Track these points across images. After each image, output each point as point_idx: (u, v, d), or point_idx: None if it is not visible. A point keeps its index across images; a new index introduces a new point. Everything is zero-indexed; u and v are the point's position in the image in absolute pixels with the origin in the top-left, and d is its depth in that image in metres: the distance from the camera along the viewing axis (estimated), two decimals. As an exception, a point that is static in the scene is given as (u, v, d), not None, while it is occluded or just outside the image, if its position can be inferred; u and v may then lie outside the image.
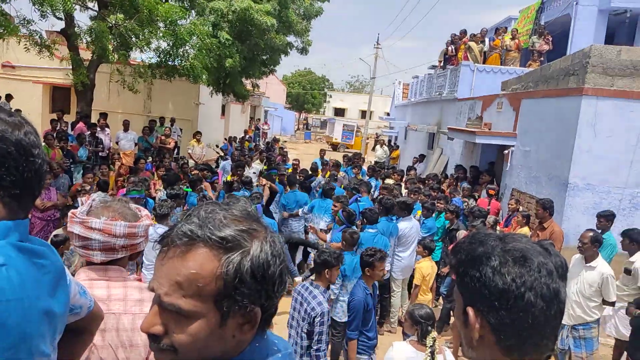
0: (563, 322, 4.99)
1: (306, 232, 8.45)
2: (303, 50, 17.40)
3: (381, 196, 7.91)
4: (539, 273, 0.98)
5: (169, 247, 0.92)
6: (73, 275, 1.47)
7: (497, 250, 1.02)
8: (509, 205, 8.36)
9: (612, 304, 5.19)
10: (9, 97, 13.26)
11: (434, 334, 3.27)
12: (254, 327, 0.95)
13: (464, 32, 16.01)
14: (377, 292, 4.78)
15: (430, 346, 3.20)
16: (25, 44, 10.79)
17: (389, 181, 10.91)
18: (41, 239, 1.21)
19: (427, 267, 6.10)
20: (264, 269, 0.92)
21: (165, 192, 7.47)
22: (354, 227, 6.31)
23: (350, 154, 15.88)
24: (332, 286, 5.22)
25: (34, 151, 1.08)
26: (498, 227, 7.83)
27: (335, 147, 35.09)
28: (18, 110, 12.49)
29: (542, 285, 0.98)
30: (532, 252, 1.01)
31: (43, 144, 9.22)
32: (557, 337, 1.05)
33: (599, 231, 6.10)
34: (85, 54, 12.02)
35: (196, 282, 0.89)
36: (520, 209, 8.34)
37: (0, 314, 0.94)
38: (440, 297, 7.23)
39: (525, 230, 7.22)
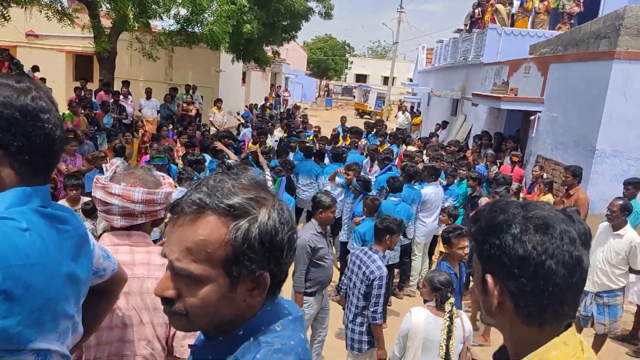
0: (587, 289, 4.97)
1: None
2: (326, 15, 17.06)
3: (404, 163, 7.85)
4: (561, 241, 0.97)
5: (179, 215, 0.96)
6: (97, 239, 1.51)
7: (519, 218, 1.00)
8: (533, 172, 8.22)
9: (639, 272, 5.14)
10: (35, 68, 13.42)
11: (452, 299, 3.29)
12: (263, 291, 0.97)
13: (491, -6, 15.42)
14: (458, 271, 4.50)
15: (449, 311, 3.22)
16: (46, 13, 10.84)
17: (411, 148, 10.81)
18: (62, 205, 1.23)
19: None
20: (272, 236, 0.94)
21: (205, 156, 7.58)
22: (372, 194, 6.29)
23: (371, 121, 15.69)
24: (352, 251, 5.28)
25: (42, 116, 1.08)
26: (521, 194, 7.73)
27: (363, 114, 34.77)
28: (43, 80, 12.75)
29: (564, 253, 0.96)
30: (555, 220, 0.99)
31: (67, 111, 9.44)
32: (578, 305, 1.04)
33: (626, 198, 5.97)
34: (107, 22, 12.02)
35: (205, 248, 0.92)
36: (545, 175, 8.19)
37: (25, 278, 0.97)
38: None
39: (549, 197, 7.11)
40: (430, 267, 7.33)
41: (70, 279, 1.12)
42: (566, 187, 6.76)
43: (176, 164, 7.57)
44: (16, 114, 1.05)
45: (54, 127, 1.10)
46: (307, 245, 4.18)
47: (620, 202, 5.06)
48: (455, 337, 3.21)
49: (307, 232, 4.29)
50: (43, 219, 1.06)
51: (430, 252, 7.19)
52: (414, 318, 3.36)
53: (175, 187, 5.65)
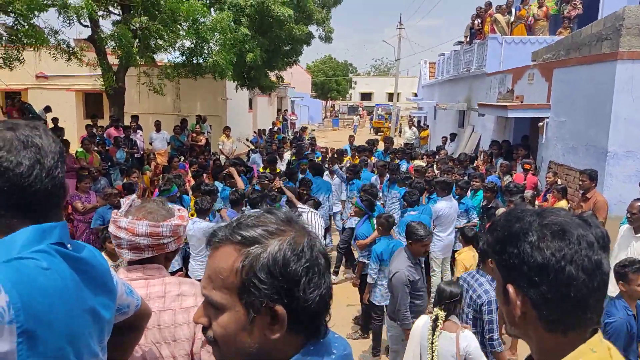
0: (609, 293, 4.88)
1: (330, 219, 8.56)
2: (326, 38, 17.30)
3: (412, 179, 7.82)
4: (579, 246, 0.96)
5: (209, 249, 1.03)
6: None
7: (535, 225, 1.00)
8: (547, 179, 8.16)
9: None
10: (47, 109, 13.79)
11: (439, 312, 3.30)
12: (282, 327, 0.96)
13: (489, 5, 15.55)
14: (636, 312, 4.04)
15: (433, 320, 3.31)
16: (54, 53, 11.14)
17: (419, 162, 10.81)
18: (84, 243, 1.25)
19: (468, 259, 5.77)
20: (281, 266, 0.94)
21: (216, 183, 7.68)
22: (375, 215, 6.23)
23: (374, 139, 15.75)
24: (370, 271, 5.24)
25: (52, 158, 1.10)
26: (537, 202, 7.66)
27: (377, 131, 34.93)
28: (55, 119, 13.03)
29: (583, 258, 0.96)
30: (571, 225, 0.99)
31: (80, 149, 9.60)
32: (602, 310, 1.02)
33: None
34: (114, 59, 12.31)
35: (219, 274, 0.97)
36: (559, 181, 8.12)
37: (47, 317, 0.98)
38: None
39: (563, 203, 7.03)
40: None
41: (93, 316, 1.13)
42: (583, 191, 6.68)
43: (187, 194, 7.64)
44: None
45: (27, 171, 1.07)
46: (407, 280, 4.07)
47: (639, 203, 4.99)
48: (441, 349, 3.22)
49: (403, 265, 4.17)
50: (62, 257, 1.07)
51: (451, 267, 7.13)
52: (416, 322, 3.48)
53: (192, 216, 5.73)
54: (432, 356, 3.23)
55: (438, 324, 3.27)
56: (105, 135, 11.83)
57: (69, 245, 1.12)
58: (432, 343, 3.23)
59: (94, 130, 11.97)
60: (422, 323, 3.46)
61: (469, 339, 3.25)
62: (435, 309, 3.34)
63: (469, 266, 5.78)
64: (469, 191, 7.51)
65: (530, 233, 1.00)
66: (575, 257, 0.96)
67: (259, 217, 1.02)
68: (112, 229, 1.82)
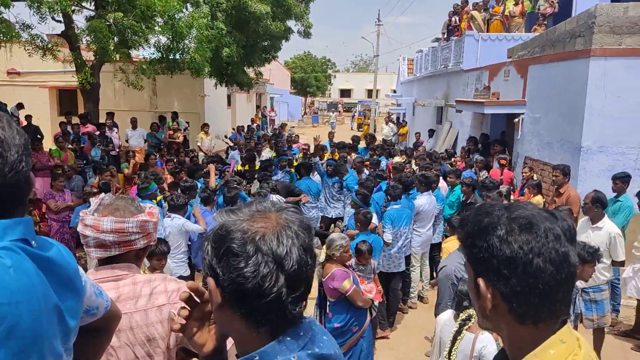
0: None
1: (321, 221, 8.50)
2: (305, 34, 17.24)
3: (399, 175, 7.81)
4: (546, 238, 0.98)
5: None
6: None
7: (503, 219, 1.02)
8: (523, 174, 8.29)
9: (621, 263, 5.18)
10: (19, 106, 13.43)
11: (472, 311, 3.17)
12: (215, 298, 0.99)
13: (465, 2, 15.74)
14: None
15: (463, 319, 3.22)
16: (28, 49, 10.84)
17: (398, 159, 10.87)
18: (52, 240, 1.19)
19: (454, 247, 5.93)
20: (220, 241, 0.98)
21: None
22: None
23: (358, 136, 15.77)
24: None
25: (14, 151, 1.03)
26: (512, 197, 7.78)
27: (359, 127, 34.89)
28: (28, 117, 12.70)
29: (551, 250, 0.98)
30: (538, 218, 1.01)
31: (54, 147, 9.38)
32: (570, 301, 1.05)
33: (615, 193, 6.04)
34: (88, 55, 12.05)
35: None
36: (535, 177, 8.27)
37: (11, 316, 0.94)
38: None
39: (538, 198, 7.17)
40: (432, 274, 7.30)
41: (58, 316, 1.09)
42: (556, 186, 6.82)
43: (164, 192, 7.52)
44: None
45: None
46: (454, 276, 3.96)
47: (592, 194, 5.18)
48: (459, 348, 3.18)
49: (453, 261, 4.07)
50: (27, 255, 1.02)
51: (432, 260, 7.20)
52: (443, 314, 3.48)
53: (169, 216, 5.65)
54: (452, 354, 3.17)
55: (468, 323, 3.18)
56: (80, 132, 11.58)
57: (33, 242, 1.07)
58: (456, 340, 3.17)
59: (68, 127, 11.71)
60: (443, 320, 3.45)
61: (486, 341, 3.18)
62: (469, 310, 3.23)
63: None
64: (438, 184, 7.54)
65: (499, 227, 1.01)
66: (542, 249, 0.98)
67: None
68: (79, 227, 1.79)
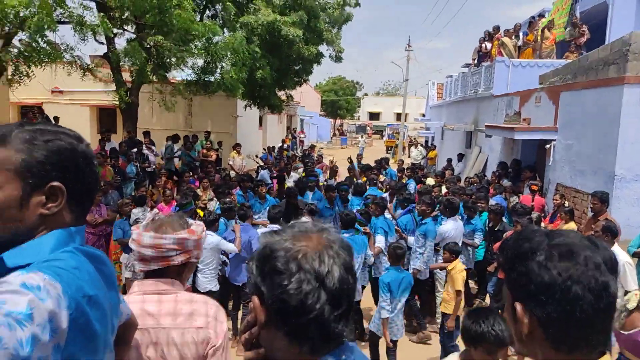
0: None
1: None
2: (336, 58, 17.56)
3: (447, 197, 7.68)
4: (586, 266, 0.98)
5: None
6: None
7: (543, 245, 1.03)
8: (554, 201, 8.18)
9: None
10: (56, 119, 14.19)
11: None
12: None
13: (497, 28, 15.77)
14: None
15: None
16: (68, 69, 11.41)
17: (430, 180, 10.84)
18: (94, 247, 1.33)
19: (461, 269, 5.65)
20: (264, 260, 1.01)
21: (217, 203, 7.76)
22: (355, 230, 6.16)
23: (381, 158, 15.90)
24: (382, 303, 5.07)
25: (94, 161, 1.22)
26: (543, 224, 7.68)
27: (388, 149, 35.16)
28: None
29: (590, 279, 0.97)
30: (579, 246, 1.01)
31: (94, 163, 9.77)
32: (609, 331, 1.03)
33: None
34: (128, 76, 12.58)
35: None
36: (567, 204, 8.15)
37: (83, 308, 1.04)
38: (487, 296, 7.14)
39: (572, 225, 7.06)
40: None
41: (113, 311, 1.20)
42: (594, 213, 6.67)
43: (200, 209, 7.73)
44: (79, 160, 1.17)
45: (98, 172, 1.24)
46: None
47: (603, 223, 5.14)
48: None
49: None
50: (86, 257, 1.14)
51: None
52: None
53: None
54: None
55: None
56: (119, 150, 12.02)
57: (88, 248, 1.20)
58: None
59: (106, 144, 12.17)
60: None
61: None
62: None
63: (464, 277, 5.69)
64: (476, 212, 7.46)
65: (539, 252, 1.02)
66: (581, 277, 0.98)
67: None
68: (130, 242, 1.92)
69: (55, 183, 1.13)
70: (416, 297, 6.55)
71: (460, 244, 6.70)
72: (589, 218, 6.85)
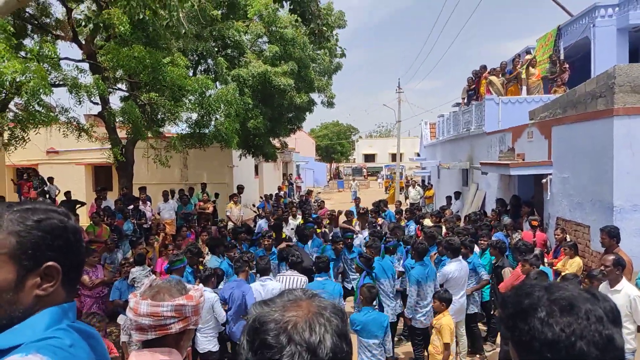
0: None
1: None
2: (328, 104, 17.85)
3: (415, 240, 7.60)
4: (588, 320, 0.97)
5: None
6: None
7: (543, 301, 1.01)
8: (556, 236, 8.10)
9: None
10: (50, 179, 14.37)
11: None
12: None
13: (483, 67, 16.14)
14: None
15: None
16: (64, 131, 11.53)
17: (428, 222, 10.77)
18: (85, 323, 1.29)
19: (450, 321, 5.54)
20: (254, 334, 0.98)
21: (212, 257, 7.62)
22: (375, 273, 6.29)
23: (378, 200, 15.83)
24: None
25: (82, 236, 1.21)
26: (546, 259, 7.57)
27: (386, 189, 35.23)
28: (67, 193, 13.26)
29: (594, 333, 0.96)
30: (579, 300, 1.00)
31: (90, 223, 9.69)
32: None
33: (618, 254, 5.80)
34: (122, 132, 12.69)
35: None
36: (568, 238, 8.06)
37: None
38: (498, 337, 6.93)
39: (577, 260, 6.94)
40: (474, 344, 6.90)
41: None
42: (605, 248, 6.53)
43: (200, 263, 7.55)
44: (70, 236, 1.16)
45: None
46: None
47: (613, 256, 5.03)
48: None
49: None
50: (80, 334, 1.13)
51: (471, 331, 6.84)
52: None
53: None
54: None
55: None
56: (115, 207, 11.97)
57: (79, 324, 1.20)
58: None
59: (102, 202, 12.14)
60: None
61: None
62: None
63: (453, 329, 5.53)
64: (474, 250, 7.34)
65: (539, 309, 1.00)
66: (584, 332, 0.95)
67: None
68: (127, 310, 1.86)
69: (51, 263, 1.13)
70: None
71: (465, 286, 6.58)
72: (602, 254, 6.67)
